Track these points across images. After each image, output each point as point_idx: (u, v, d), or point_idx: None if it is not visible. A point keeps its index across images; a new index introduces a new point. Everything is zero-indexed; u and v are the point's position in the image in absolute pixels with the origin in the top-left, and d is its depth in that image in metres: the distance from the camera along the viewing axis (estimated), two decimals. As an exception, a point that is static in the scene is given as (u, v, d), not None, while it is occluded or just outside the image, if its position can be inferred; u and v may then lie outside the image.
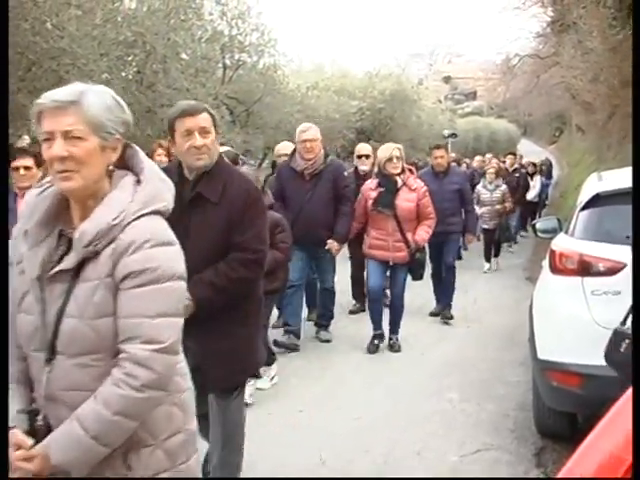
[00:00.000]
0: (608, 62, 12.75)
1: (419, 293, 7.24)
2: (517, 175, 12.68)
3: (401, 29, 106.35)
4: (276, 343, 5.69)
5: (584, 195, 4.21)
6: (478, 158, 14.76)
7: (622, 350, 2.72)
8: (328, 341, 6.26)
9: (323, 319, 6.50)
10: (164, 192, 1.85)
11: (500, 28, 56.48)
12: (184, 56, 10.68)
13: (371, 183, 6.01)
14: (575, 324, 3.61)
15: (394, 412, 4.62)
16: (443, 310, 7.33)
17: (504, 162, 13.70)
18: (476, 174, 12.20)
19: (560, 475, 1.14)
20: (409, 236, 5.80)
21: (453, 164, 8.82)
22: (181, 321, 1.80)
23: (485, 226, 10.68)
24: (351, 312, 7.32)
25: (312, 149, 5.87)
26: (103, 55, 8.40)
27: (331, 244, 5.94)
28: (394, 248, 5.81)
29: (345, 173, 6.20)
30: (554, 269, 3.95)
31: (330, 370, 5.40)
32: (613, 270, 3.60)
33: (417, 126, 23.08)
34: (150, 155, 4.05)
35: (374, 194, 5.86)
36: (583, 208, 4.04)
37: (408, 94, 22.50)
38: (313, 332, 6.44)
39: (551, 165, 24.35)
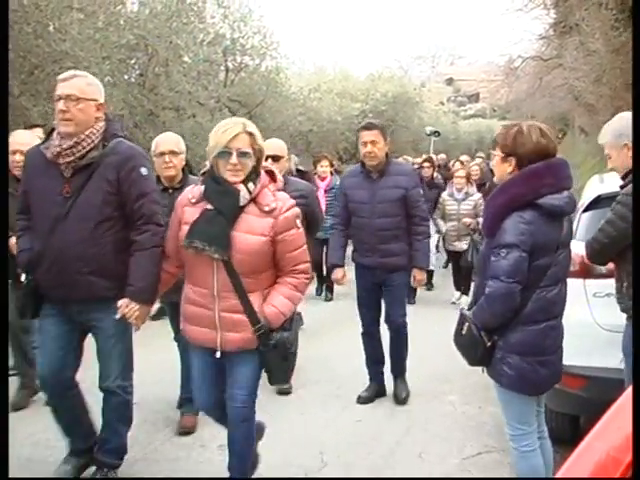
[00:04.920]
0: (611, 64, 12.75)
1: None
2: None
3: (403, 31, 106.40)
4: None
5: (586, 197, 4.20)
6: (464, 158, 12.41)
7: (463, 333, 2.91)
8: None
9: (103, 452, 3.53)
10: None
11: (503, 30, 56.66)
12: (186, 59, 10.72)
13: (191, 192, 3.11)
14: (577, 326, 3.58)
15: (395, 415, 4.62)
16: (396, 389, 4.91)
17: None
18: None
19: (558, 475, 1.14)
20: (255, 301, 2.99)
21: (398, 159, 5.85)
22: None
23: (450, 247, 8.32)
24: None
25: (71, 116, 3.15)
26: (105, 58, 8.44)
27: (124, 307, 3.16)
28: (226, 324, 2.99)
29: (144, 170, 3.29)
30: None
31: (331, 372, 5.39)
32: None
33: (420, 128, 23.09)
34: None
35: (193, 214, 3.03)
36: (585, 210, 4.03)
37: (410, 96, 22.58)
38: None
39: None
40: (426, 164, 9.56)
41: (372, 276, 4.74)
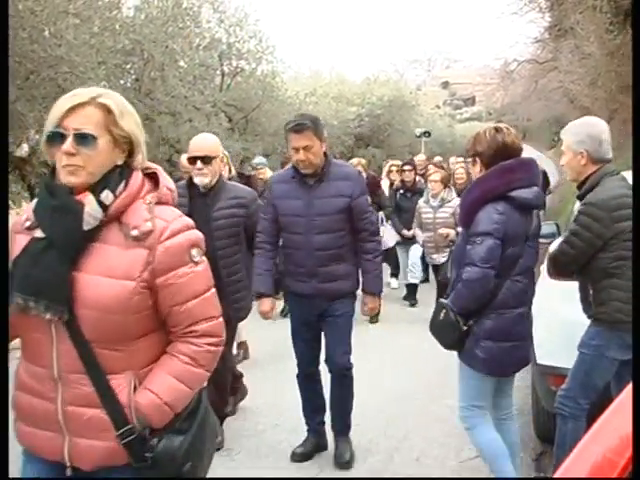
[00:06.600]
0: (606, 67, 12.80)
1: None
2: None
3: (399, 35, 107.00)
4: None
5: (581, 199, 4.21)
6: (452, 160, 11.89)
7: (440, 318, 3.08)
8: None
9: None
10: None
11: (498, 34, 56.88)
12: (182, 64, 10.74)
13: (29, 211, 1.88)
14: (574, 328, 3.59)
15: (392, 419, 4.61)
16: (337, 449, 3.95)
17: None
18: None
19: (554, 476, 1.14)
20: (121, 387, 1.78)
21: (339, 160, 4.80)
22: None
23: (429, 260, 7.48)
24: None
25: None
26: (101, 63, 8.44)
27: None
28: (75, 425, 1.79)
29: None
30: (552, 274, 3.95)
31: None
32: (611, 274, 3.60)
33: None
34: None
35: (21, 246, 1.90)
36: (581, 213, 4.05)
37: (406, 100, 22.68)
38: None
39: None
40: (407, 167, 8.51)
41: (310, 306, 3.75)
